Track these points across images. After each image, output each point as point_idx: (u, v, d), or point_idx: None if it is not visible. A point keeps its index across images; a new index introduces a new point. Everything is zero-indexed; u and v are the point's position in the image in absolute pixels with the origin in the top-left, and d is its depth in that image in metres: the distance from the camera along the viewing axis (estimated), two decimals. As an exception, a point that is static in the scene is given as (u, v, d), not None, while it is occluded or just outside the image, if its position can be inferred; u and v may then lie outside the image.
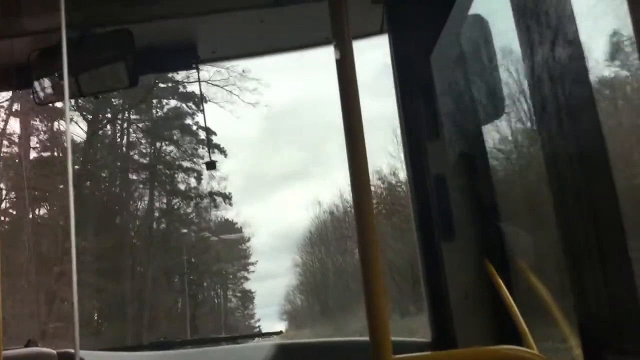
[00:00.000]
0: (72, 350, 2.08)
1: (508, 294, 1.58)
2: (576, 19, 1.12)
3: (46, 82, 2.00)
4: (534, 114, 1.32)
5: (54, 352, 2.03)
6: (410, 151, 1.90)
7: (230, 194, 35.45)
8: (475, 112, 1.91)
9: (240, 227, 41.23)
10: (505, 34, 1.75)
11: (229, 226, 39.47)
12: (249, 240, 43.22)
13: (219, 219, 38.62)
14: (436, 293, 1.81)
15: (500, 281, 1.62)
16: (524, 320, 1.50)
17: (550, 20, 1.16)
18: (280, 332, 2.78)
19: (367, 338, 0.88)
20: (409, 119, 1.91)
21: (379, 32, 2.10)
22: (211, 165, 2.73)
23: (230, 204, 35.79)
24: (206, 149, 31.23)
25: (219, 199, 34.68)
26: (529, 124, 2.02)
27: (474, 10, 1.81)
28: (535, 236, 1.81)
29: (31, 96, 2.06)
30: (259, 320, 56.06)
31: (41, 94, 2.02)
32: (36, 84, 2.01)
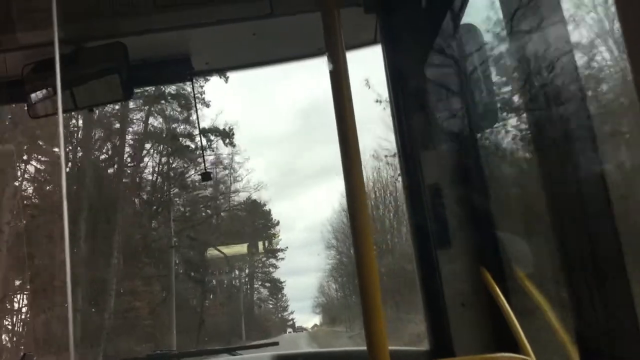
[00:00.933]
0: None
1: (505, 302, 1.58)
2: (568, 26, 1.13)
3: (40, 95, 2.00)
4: (527, 121, 1.32)
5: None
6: (406, 160, 1.91)
7: (231, 130, 29.82)
8: (469, 120, 1.92)
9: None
10: (497, 42, 1.77)
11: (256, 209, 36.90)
12: (278, 223, 40.06)
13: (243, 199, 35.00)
14: (433, 301, 1.81)
15: (497, 289, 1.62)
16: (520, 328, 1.50)
17: (541, 27, 1.17)
18: (277, 344, 2.76)
19: (364, 347, 0.88)
20: (404, 129, 1.91)
21: (373, 42, 2.11)
22: (206, 177, 2.72)
23: (233, 145, 30.58)
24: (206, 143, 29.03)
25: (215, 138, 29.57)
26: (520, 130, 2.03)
27: (466, 19, 1.82)
28: (532, 244, 1.82)
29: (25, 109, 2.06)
30: (292, 312, 53.80)
31: (35, 107, 2.02)
32: (30, 97, 2.01)
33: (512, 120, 2.04)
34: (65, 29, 1.34)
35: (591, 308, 1.11)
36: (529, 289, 1.56)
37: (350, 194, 0.89)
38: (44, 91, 1.98)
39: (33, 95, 2.00)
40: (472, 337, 1.72)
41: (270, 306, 51.27)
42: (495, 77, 1.89)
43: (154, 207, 29.30)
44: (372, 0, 1.91)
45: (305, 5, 1.86)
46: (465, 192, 1.84)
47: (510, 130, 2.13)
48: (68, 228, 1.28)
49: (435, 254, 1.78)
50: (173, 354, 2.39)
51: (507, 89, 1.94)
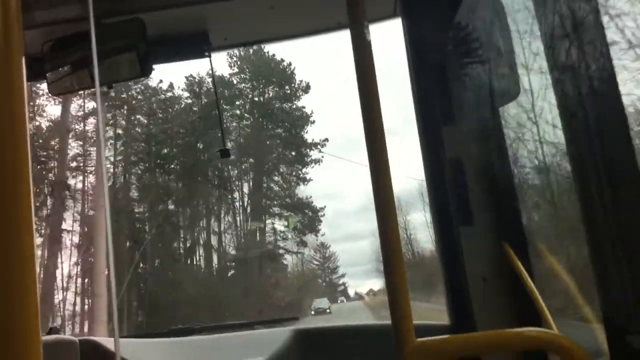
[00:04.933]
0: (93, 338, 2.11)
1: (528, 277, 1.57)
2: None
3: (60, 73, 2.01)
4: (557, 106, 1.29)
5: (76, 339, 2.06)
6: (426, 136, 1.89)
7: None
8: (491, 94, 1.89)
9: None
10: (521, 14, 1.73)
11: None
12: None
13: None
14: (454, 277, 1.80)
15: (520, 264, 1.61)
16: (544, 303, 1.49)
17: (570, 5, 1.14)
18: (297, 318, 2.79)
19: (388, 322, 0.89)
20: (424, 103, 1.89)
21: (392, 15, 2.08)
22: (225, 154, 2.72)
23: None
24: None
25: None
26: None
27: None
28: (555, 220, 1.80)
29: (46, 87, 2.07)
30: (343, 275, 52.39)
31: (56, 85, 2.03)
32: (50, 75, 2.01)
33: (535, 95, 2.00)
34: (84, 6, 1.34)
35: (618, 284, 1.09)
36: (553, 264, 1.55)
37: (374, 172, 0.88)
38: (64, 68, 1.98)
39: (53, 73, 2.01)
40: (494, 312, 1.72)
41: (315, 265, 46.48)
42: (517, 50, 1.85)
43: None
44: None
45: None
46: (487, 167, 1.82)
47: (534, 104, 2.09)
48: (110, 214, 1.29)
49: (456, 229, 1.77)
50: (195, 328, 2.43)
51: (531, 61, 1.90)
